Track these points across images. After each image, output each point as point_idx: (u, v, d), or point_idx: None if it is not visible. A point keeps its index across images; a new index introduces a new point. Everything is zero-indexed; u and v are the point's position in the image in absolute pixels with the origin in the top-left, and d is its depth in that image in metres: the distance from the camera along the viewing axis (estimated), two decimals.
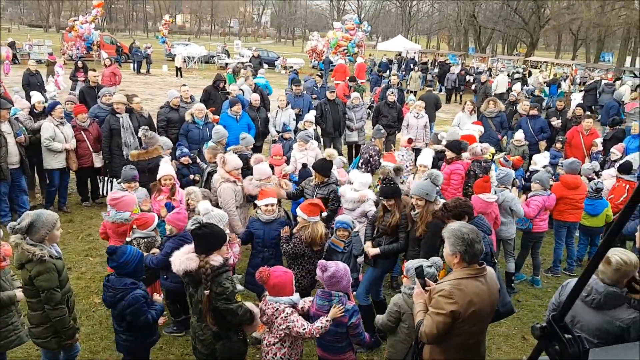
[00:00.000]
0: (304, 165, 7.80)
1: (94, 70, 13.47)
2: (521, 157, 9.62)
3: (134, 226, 5.62)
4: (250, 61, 26.19)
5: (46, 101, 10.33)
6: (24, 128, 8.60)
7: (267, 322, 4.32)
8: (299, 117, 11.56)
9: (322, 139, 11.81)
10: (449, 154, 7.93)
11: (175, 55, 32.89)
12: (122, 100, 9.29)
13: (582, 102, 19.07)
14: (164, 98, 11.78)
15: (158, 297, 4.82)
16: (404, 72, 30.64)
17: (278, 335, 4.24)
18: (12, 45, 29.77)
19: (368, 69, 30.36)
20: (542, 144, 11.48)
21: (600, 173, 9.10)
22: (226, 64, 34.06)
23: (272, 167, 7.84)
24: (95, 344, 5.64)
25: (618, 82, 25.13)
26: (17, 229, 4.17)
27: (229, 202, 6.51)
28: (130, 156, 8.15)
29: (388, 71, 30.36)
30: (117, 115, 9.11)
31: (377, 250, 5.67)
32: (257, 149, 10.01)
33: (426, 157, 7.86)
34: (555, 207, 7.64)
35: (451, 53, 44.76)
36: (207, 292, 4.04)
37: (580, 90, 23.60)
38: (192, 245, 4.19)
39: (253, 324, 4.40)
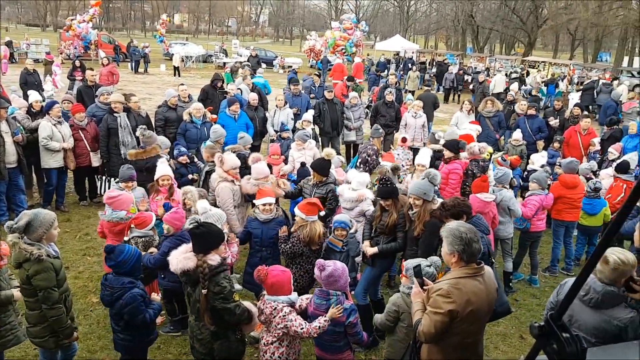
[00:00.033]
0: (303, 164, 7.80)
1: (92, 69, 13.48)
2: (519, 156, 9.63)
3: (132, 225, 5.62)
4: (248, 60, 26.18)
5: (44, 100, 10.31)
6: (21, 127, 8.57)
7: (265, 322, 4.32)
8: (297, 116, 11.56)
9: (320, 139, 11.80)
10: (447, 153, 7.94)
11: (173, 54, 32.89)
12: (119, 99, 9.28)
13: (579, 101, 19.09)
14: (162, 97, 11.77)
15: (156, 297, 4.82)
16: (401, 72, 30.64)
17: (276, 335, 4.24)
18: (9, 44, 29.72)
19: (366, 69, 30.39)
20: (540, 144, 11.50)
21: (597, 173, 9.12)
22: (224, 63, 34.03)
23: (270, 166, 7.84)
24: (92, 343, 5.63)
25: (615, 82, 25.17)
26: (14, 228, 4.16)
27: (227, 201, 6.50)
28: (128, 155, 8.14)
29: (386, 71, 30.35)
30: (115, 114, 9.10)
31: (375, 250, 5.67)
32: (255, 148, 10.00)
33: (424, 156, 7.87)
34: (554, 207, 7.66)
35: (449, 53, 44.80)
36: (204, 291, 4.03)
37: (578, 90, 23.63)
38: (190, 245, 4.19)
39: (251, 323, 4.40)
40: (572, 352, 1.36)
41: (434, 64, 34.15)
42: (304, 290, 5.52)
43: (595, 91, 22.10)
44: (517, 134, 10.42)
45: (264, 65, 24.55)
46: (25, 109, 9.42)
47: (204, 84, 12.80)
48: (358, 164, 9.07)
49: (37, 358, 5.06)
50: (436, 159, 8.49)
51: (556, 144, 10.57)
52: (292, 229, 5.61)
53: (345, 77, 16.87)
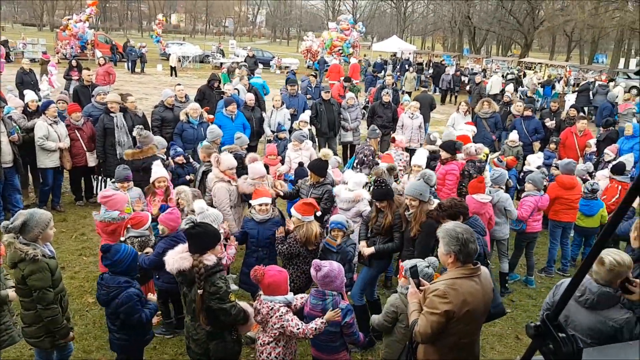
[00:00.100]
0: (300, 164, 7.80)
1: (88, 69, 13.43)
2: (515, 157, 9.65)
3: (129, 225, 5.61)
4: (245, 61, 26.14)
5: (40, 100, 10.28)
6: (17, 127, 8.55)
7: (261, 322, 4.32)
8: (293, 117, 11.56)
9: (317, 139, 11.80)
10: (444, 154, 7.95)
11: (170, 54, 32.84)
12: (116, 99, 9.26)
13: (576, 103, 19.14)
14: (159, 97, 11.75)
15: (152, 297, 4.82)
16: (398, 73, 30.67)
17: (272, 335, 4.24)
18: (5, 43, 29.62)
19: (362, 69, 30.41)
20: (536, 145, 11.53)
21: (593, 174, 9.14)
22: (221, 63, 34.02)
23: (266, 167, 7.84)
24: (88, 343, 5.62)
25: (612, 84, 25.25)
26: (10, 228, 4.15)
27: (223, 201, 6.50)
28: (124, 155, 8.12)
29: (383, 72, 30.38)
30: (111, 114, 9.08)
31: (372, 250, 5.67)
32: (251, 148, 10.00)
33: (420, 157, 7.88)
34: (551, 207, 7.68)
35: (446, 54, 44.85)
36: (200, 291, 4.03)
37: (574, 92, 23.69)
38: (186, 245, 4.18)
39: (247, 323, 4.39)
40: (568, 352, 1.36)
41: (431, 65, 34.17)
42: (300, 291, 5.51)
43: (591, 92, 22.17)
44: (514, 135, 10.44)
45: (260, 66, 24.50)
46: (21, 108, 9.38)
47: (200, 84, 12.78)
48: (355, 164, 9.08)
49: (32, 358, 5.05)
50: (431, 159, 8.50)
51: (552, 145, 10.59)
52: (287, 227, 5.60)
53: (342, 78, 16.88)
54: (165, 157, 8.13)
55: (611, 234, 1.41)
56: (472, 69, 32.43)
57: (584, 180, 8.18)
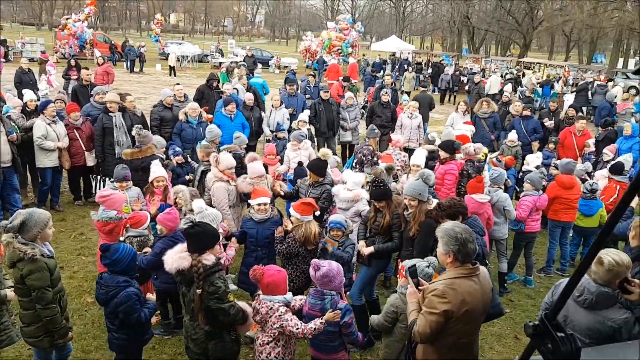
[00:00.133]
0: (300, 164, 7.80)
1: (87, 68, 13.43)
2: (513, 156, 9.66)
3: (128, 225, 5.61)
4: (244, 60, 26.13)
5: (38, 99, 10.27)
6: (16, 126, 8.54)
7: (260, 321, 4.31)
8: (292, 116, 11.56)
9: (316, 139, 11.80)
10: (443, 154, 7.96)
11: (169, 54, 32.82)
12: (115, 99, 9.26)
13: (575, 103, 19.16)
14: (158, 97, 11.75)
15: (151, 296, 4.82)
16: (397, 73, 30.67)
17: (272, 334, 4.24)
18: (3, 43, 29.57)
19: (361, 69, 30.38)
20: (535, 145, 11.53)
21: (592, 174, 9.15)
22: (220, 63, 34.00)
23: (265, 166, 7.84)
24: (87, 343, 5.62)
25: (610, 84, 25.27)
26: (8, 228, 4.15)
27: (222, 201, 6.50)
28: (123, 155, 8.12)
29: (382, 71, 30.38)
30: (110, 114, 9.07)
31: (371, 249, 5.67)
32: (250, 148, 10.00)
33: (419, 157, 7.89)
34: (551, 207, 7.68)
35: (445, 54, 44.86)
36: (199, 291, 4.03)
37: (572, 92, 23.71)
38: (185, 244, 4.18)
39: (246, 323, 4.39)
40: (567, 351, 1.37)
41: (430, 64, 34.18)
42: (300, 291, 5.52)
43: (590, 92, 22.19)
44: (513, 135, 10.45)
45: (260, 65, 24.49)
46: (20, 108, 9.37)
47: (199, 84, 12.77)
48: (354, 164, 9.08)
49: (31, 358, 5.05)
50: (430, 159, 8.50)
51: (551, 145, 10.60)
52: (284, 227, 5.59)
53: (341, 78, 16.87)
54: (164, 156, 8.12)
55: (609, 234, 1.41)
56: (471, 69, 32.44)
57: (583, 180, 8.18)
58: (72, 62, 17.78)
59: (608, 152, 9.79)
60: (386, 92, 12.30)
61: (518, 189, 9.27)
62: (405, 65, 31.39)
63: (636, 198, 6.50)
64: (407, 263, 4.32)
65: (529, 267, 7.70)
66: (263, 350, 4.28)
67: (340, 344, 4.47)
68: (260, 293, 4.34)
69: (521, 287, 7.66)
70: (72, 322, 5.01)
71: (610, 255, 3.58)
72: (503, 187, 7.33)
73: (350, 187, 6.57)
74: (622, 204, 1.32)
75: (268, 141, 10.67)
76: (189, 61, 36.91)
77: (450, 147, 7.92)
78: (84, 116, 9.35)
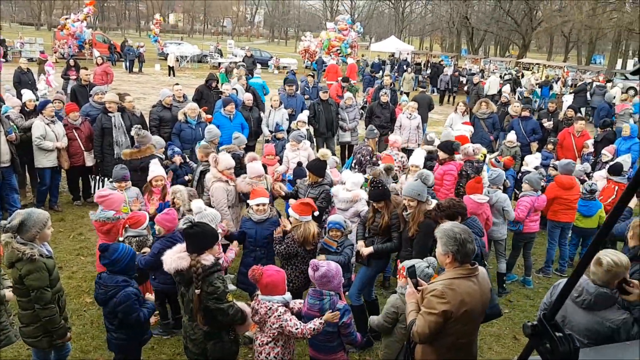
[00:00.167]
0: (299, 164, 7.81)
1: (86, 68, 13.41)
2: (512, 157, 9.67)
3: (127, 225, 5.61)
4: (243, 61, 26.15)
5: (37, 99, 10.27)
6: (15, 126, 8.54)
7: (259, 322, 4.31)
8: (291, 117, 11.56)
9: (315, 139, 11.81)
10: (442, 154, 7.96)
11: (168, 54, 32.81)
12: (114, 99, 9.25)
13: (573, 104, 19.18)
14: (157, 97, 11.75)
15: (150, 296, 4.82)
16: (396, 74, 30.68)
17: (271, 335, 4.24)
18: (2, 42, 29.55)
19: (360, 70, 30.40)
20: (534, 145, 11.53)
21: (591, 175, 9.16)
22: (219, 63, 34.00)
23: (264, 167, 7.85)
24: (86, 343, 5.62)
25: (609, 84, 25.30)
26: (7, 228, 4.14)
27: (221, 201, 6.50)
28: (122, 155, 8.12)
29: (381, 72, 30.39)
30: (109, 114, 9.07)
31: (370, 249, 5.67)
32: (249, 148, 9.99)
33: (418, 157, 7.89)
34: (550, 208, 7.69)
35: (444, 54, 44.91)
36: (197, 291, 4.03)
37: (571, 92, 23.75)
38: (184, 244, 4.18)
39: (245, 323, 4.39)
40: (565, 351, 1.37)
41: (429, 65, 34.20)
42: (299, 291, 5.53)
43: (588, 93, 22.22)
44: (512, 136, 10.45)
45: (259, 66, 24.49)
46: (19, 107, 9.37)
47: (198, 84, 12.77)
48: (353, 164, 9.08)
49: (30, 358, 5.04)
50: (428, 159, 8.50)
51: (550, 146, 10.61)
52: (281, 226, 5.59)
53: (340, 78, 16.88)
54: (164, 156, 8.12)
55: (607, 234, 1.42)
56: (470, 70, 32.47)
57: (582, 181, 8.19)
58: (71, 62, 17.76)
59: (607, 152, 9.80)
60: (385, 93, 12.31)
61: (518, 192, 9.27)
62: (405, 66, 31.40)
63: (634, 199, 6.53)
64: (407, 263, 4.32)
65: (528, 267, 7.71)
66: (262, 351, 4.28)
67: (339, 344, 4.48)
68: (259, 293, 4.34)
69: (520, 287, 7.67)
70: (70, 322, 5.01)
71: (609, 256, 3.58)
72: (502, 187, 7.34)
73: (349, 187, 6.58)
74: (620, 205, 1.33)
75: (267, 141, 10.67)
76: (188, 61, 36.91)
77: (449, 147, 7.93)
78: (83, 116, 9.35)
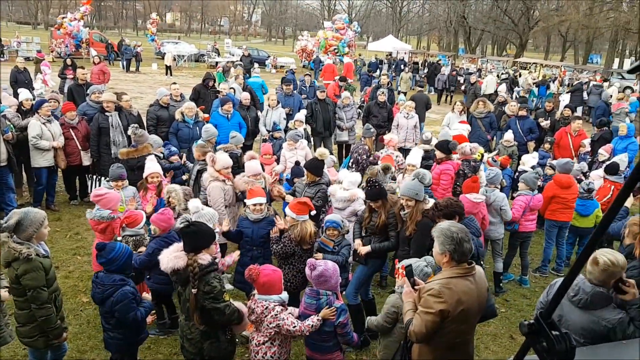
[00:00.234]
0: (297, 163, 7.81)
1: (83, 67, 13.39)
2: (508, 156, 9.69)
3: (124, 224, 5.61)
4: (240, 60, 26.14)
5: (34, 99, 10.24)
6: (11, 125, 8.52)
7: (255, 321, 4.31)
8: (289, 116, 11.56)
9: (312, 139, 11.81)
10: (439, 154, 7.97)
11: (165, 53, 32.79)
12: (112, 99, 9.23)
13: (570, 103, 19.22)
14: (154, 96, 11.72)
15: (147, 295, 4.81)
16: (393, 73, 30.70)
17: (268, 334, 4.24)
18: None
19: (358, 69, 30.42)
20: (531, 145, 11.56)
21: (588, 174, 9.18)
22: (216, 62, 33.98)
23: (262, 166, 7.84)
24: (83, 343, 5.61)
25: (606, 84, 25.35)
26: (4, 227, 4.13)
27: (218, 201, 6.50)
28: (119, 154, 8.11)
29: (378, 71, 30.41)
30: (106, 113, 9.05)
31: (368, 248, 5.67)
32: (247, 148, 9.99)
33: (415, 156, 7.90)
34: (548, 207, 7.69)
35: (441, 53, 44.94)
36: (194, 290, 4.03)
37: (568, 92, 23.80)
38: (181, 244, 4.18)
39: (241, 323, 4.39)
40: (562, 349, 1.37)
41: (426, 64, 34.22)
42: (297, 290, 5.52)
43: (585, 92, 22.26)
44: (509, 135, 10.47)
45: (256, 65, 24.47)
46: (16, 107, 9.35)
47: (196, 83, 12.77)
48: (350, 164, 9.08)
49: (26, 358, 5.03)
50: (424, 159, 8.49)
51: (547, 145, 10.63)
52: (277, 226, 5.59)
53: (338, 77, 16.88)
54: (162, 155, 8.11)
55: (603, 233, 1.42)
56: (467, 69, 32.51)
57: (579, 181, 8.20)
58: (68, 61, 17.74)
59: (603, 152, 9.82)
60: (383, 92, 12.31)
61: (515, 195, 9.29)
62: (402, 66, 31.41)
63: (630, 198, 6.55)
64: (406, 263, 4.32)
65: (525, 267, 7.71)
66: (259, 351, 4.28)
67: (336, 344, 4.47)
68: (256, 293, 4.34)
69: (517, 286, 7.68)
70: (67, 322, 5.00)
71: (605, 255, 3.59)
72: (499, 187, 7.34)
73: (346, 186, 6.58)
74: (616, 204, 1.33)
75: (264, 141, 10.66)
76: (185, 60, 36.89)
77: (446, 147, 7.93)
78: (80, 115, 9.32)
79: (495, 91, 20.38)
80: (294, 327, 4.14)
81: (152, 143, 8.09)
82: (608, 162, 8.71)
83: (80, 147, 9.11)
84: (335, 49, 35.11)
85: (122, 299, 4.20)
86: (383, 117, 12.01)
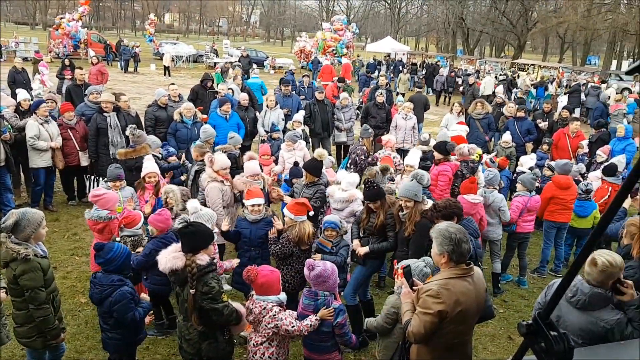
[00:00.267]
0: (296, 164, 7.81)
1: (81, 68, 13.38)
2: (507, 157, 9.69)
3: (122, 225, 5.61)
4: (239, 61, 26.13)
5: (32, 99, 10.23)
6: (9, 126, 8.51)
7: (254, 321, 4.31)
8: (287, 117, 11.56)
9: (310, 140, 11.80)
10: (437, 155, 7.98)
11: (163, 54, 32.78)
12: (110, 99, 9.22)
13: (568, 104, 19.25)
14: (152, 97, 11.72)
15: (145, 296, 4.80)
16: (391, 75, 30.71)
17: (266, 334, 4.24)
18: None
19: (356, 70, 30.42)
20: (529, 146, 11.56)
21: (586, 175, 9.19)
22: (215, 63, 33.97)
23: (260, 166, 7.84)
24: (81, 343, 5.60)
25: (604, 85, 25.39)
26: (2, 228, 4.13)
27: (216, 201, 6.50)
28: (117, 155, 8.10)
29: (376, 72, 30.42)
30: (105, 114, 9.04)
31: (366, 249, 5.68)
32: (245, 148, 9.99)
33: (413, 157, 7.90)
34: (547, 208, 7.70)
35: (439, 55, 44.98)
36: (192, 291, 4.02)
37: (566, 93, 23.84)
38: (180, 244, 4.18)
39: (240, 324, 4.39)
40: (560, 350, 1.37)
41: (425, 66, 34.24)
42: (294, 291, 5.52)
43: (583, 94, 22.30)
44: (507, 136, 10.48)
45: (255, 66, 24.45)
46: (14, 107, 9.33)
47: (194, 84, 12.75)
48: (348, 164, 9.09)
49: (24, 358, 5.02)
50: (422, 159, 8.50)
51: (545, 146, 10.63)
52: (275, 227, 5.59)
53: (336, 78, 16.89)
54: (160, 156, 8.10)
55: (601, 235, 1.42)
56: (465, 70, 32.53)
57: (577, 182, 8.21)
58: (66, 62, 17.72)
59: (601, 153, 9.83)
60: (381, 93, 12.32)
61: (513, 196, 9.30)
62: (400, 67, 31.43)
63: (628, 199, 6.56)
64: (405, 263, 4.32)
65: (523, 267, 7.72)
66: (257, 351, 4.28)
67: (334, 345, 4.47)
68: (254, 293, 4.34)
69: (515, 287, 7.68)
70: (65, 322, 4.99)
71: (604, 256, 3.59)
72: (497, 188, 7.35)
73: (344, 187, 6.58)
74: (614, 205, 1.33)
75: (263, 141, 10.66)
76: (183, 61, 36.86)
77: (444, 148, 7.94)
78: (78, 116, 9.31)
79: (494, 92, 20.39)
80: (292, 327, 4.14)
81: (150, 144, 8.07)
82: (606, 164, 8.72)
83: (78, 148, 9.10)
84: (333, 50, 35.14)
85: (121, 299, 4.19)
86: (381, 118, 12.01)
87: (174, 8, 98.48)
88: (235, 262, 5.67)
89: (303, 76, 17.17)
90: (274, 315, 4.17)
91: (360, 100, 18.45)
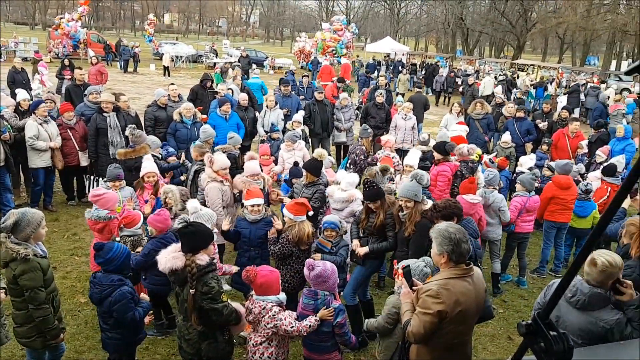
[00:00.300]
0: (296, 164, 7.82)
1: (81, 68, 13.38)
2: (506, 158, 9.70)
3: (122, 225, 5.61)
4: (238, 61, 26.13)
5: (32, 99, 10.23)
6: (8, 126, 8.50)
7: (253, 322, 4.31)
8: (287, 117, 11.56)
9: (310, 140, 11.80)
10: (436, 155, 7.98)
11: (163, 54, 32.78)
12: (110, 99, 9.22)
13: (567, 105, 19.25)
14: (152, 97, 11.72)
15: (145, 296, 4.80)
16: (391, 75, 30.71)
17: (265, 334, 4.24)
18: None
19: (355, 70, 30.42)
20: (529, 146, 11.56)
21: (585, 175, 9.19)
22: (214, 63, 33.96)
23: (260, 166, 7.85)
24: (80, 343, 5.60)
25: (603, 86, 25.40)
26: (1, 228, 4.13)
27: (216, 201, 6.50)
28: (117, 155, 8.10)
29: (376, 72, 30.42)
30: (104, 114, 9.04)
31: (366, 249, 5.68)
32: (245, 148, 9.99)
33: (413, 157, 7.91)
34: (547, 208, 7.70)
35: (439, 55, 45.00)
36: (192, 291, 4.02)
37: (565, 93, 23.85)
38: (179, 244, 4.18)
39: (240, 324, 4.39)
40: (559, 350, 1.37)
41: (424, 66, 34.24)
42: (294, 291, 5.52)
43: (583, 94, 22.30)
44: (506, 136, 10.48)
45: (254, 66, 24.46)
46: (13, 107, 9.32)
47: (193, 84, 12.75)
48: (348, 165, 9.09)
49: (24, 358, 5.02)
50: (422, 160, 8.50)
51: (544, 147, 10.64)
52: (274, 227, 5.59)
53: (336, 78, 16.89)
54: (160, 156, 8.10)
55: (600, 235, 1.42)
56: (465, 71, 32.54)
57: (576, 182, 8.21)
58: (66, 62, 17.72)
59: (601, 153, 9.84)
60: (381, 94, 12.32)
61: (513, 197, 9.31)
62: (400, 67, 31.42)
63: (627, 199, 6.56)
64: (405, 263, 4.32)
65: (522, 267, 7.72)
66: (256, 351, 4.28)
67: (334, 345, 4.47)
68: (254, 293, 4.34)
69: (514, 287, 7.69)
70: (65, 322, 4.99)
71: (603, 256, 3.60)
72: (497, 188, 7.35)
73: (344, 187, 6.58)
74: (613, 205, 1.33)
75: (262, 142, 10.66)
76: (183, 61, 36.86)
77: (443, 148, 7.94)
78: (78, 116, 9.31)
79: (493, 93, 20.40)
80: (292, 327, 4.14)
81: (150, 144, 8.07)
82: (605, 164, 8.73)
83: (78, 148, 9.10)
84: (333, 50, 35.15)
85: (120, 299, 4.19)
86: (381, 118, 12.01)
87: (174, 8, 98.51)
88: (235, 269, 5.66)
89: (302, 76, 17.17)
90: (273, 315, 4.17)
91: (360, 100, 18.45)
